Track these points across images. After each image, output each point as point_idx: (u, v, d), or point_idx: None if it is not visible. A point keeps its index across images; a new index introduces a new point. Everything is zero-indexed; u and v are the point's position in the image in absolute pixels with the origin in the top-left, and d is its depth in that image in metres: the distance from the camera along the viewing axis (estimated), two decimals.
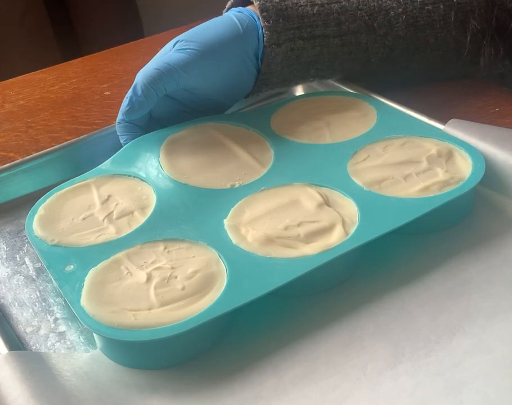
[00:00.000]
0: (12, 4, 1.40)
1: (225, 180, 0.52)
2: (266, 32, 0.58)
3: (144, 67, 0.58)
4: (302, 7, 0.60)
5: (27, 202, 0.53)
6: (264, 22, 0.58)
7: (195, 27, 0.59)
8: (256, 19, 0.59)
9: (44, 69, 0.85)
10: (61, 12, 1.49)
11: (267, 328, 0.43)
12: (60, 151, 0.61)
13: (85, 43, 1.50)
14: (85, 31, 1.51)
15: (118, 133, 0.58)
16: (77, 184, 0.53)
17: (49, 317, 0.46)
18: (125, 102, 0.56)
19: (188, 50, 0.56)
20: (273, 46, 0.59)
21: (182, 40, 0.58)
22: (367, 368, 0.39)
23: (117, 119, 0.58)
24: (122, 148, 0.56)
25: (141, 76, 0.56)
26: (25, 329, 0.45)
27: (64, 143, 0.62)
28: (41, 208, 0.50)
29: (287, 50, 0.59)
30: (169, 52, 0.58)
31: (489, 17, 0.63)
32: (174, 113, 0.59)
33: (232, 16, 0.59)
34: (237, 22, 0.58)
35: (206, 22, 0.59)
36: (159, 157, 0.54)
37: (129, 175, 0.53)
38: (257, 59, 0.59)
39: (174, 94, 0.58)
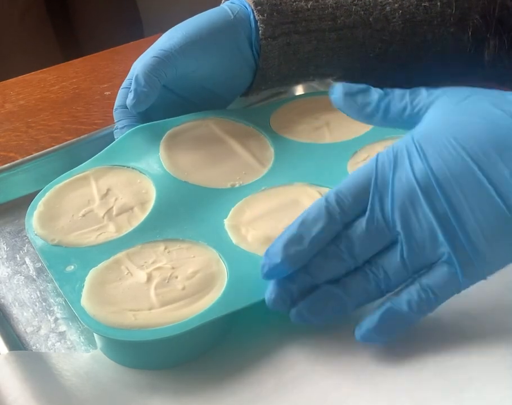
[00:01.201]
0: (12, 4, 1.40)
1: (226, 179, 0.52)
2: (261, 25, 0.58)
3: (140, 58, 0.57)
4: (297, 2, 0.60)
5: (27, 202, 0.53)
6: (258, 16, 0.58)
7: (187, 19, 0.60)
8: (248, 6, 0.59)
9: (44, 69, 0.85)
10: (61, 11, 1.49)
11: (267, 328, 0.43)
12: (60, 151, 0.61)
13: (85, 43, 1.50)
14: (85, 31, 1.50)
15: (115, 120, 0.58)
16: (76, 177, 0.52)
17: (49, 317, 0.46)
18: (130, 95, 0.55)
19: (180, 36, 0.56)
20: (269, 39, 0.59)
21: (173, 30, 0.58)
22: (368, 368, 0.39)
23: (114, 106, 0.58)
24: (120, 137, 0.56)
25: (140, 66, 0.55)
26: (25, 329, 0.45)
27: (65, 143, 0.62)
28: (40, 204, 0.50)
29: (283, 44, 0.59)
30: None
31: (491, 11, 0.63)
32: (170, 105, 0.59)
33: (223, 5, 0.60)
34: (228, 9, 0.59)
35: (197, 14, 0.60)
36: (159, 152, 0.54)
37: (128, 167, 0.53)
38: (252, 48, 0.59)
39: (170, 84, 0.58)
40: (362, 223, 0.39)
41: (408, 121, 0.42)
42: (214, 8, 0.60)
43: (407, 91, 0.42)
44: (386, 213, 0.39)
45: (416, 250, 0.38)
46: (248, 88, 0.62)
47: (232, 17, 0.58)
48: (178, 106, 0.60)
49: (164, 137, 0.56)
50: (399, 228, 0.38)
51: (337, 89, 0.43)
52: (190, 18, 0.59)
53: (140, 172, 0.53)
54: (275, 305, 0.40)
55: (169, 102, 0.59)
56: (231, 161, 0.54)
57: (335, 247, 0.39)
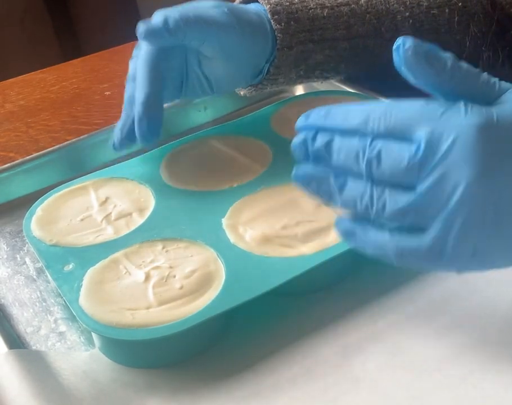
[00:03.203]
0: (12, 4, 1.40)
1: (224, 182, 0.52)
2: (278, 35, 0.58)
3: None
4: (313, 10, 0.60)
5: (28, 202, 0.53)
6: (276, 25, 0.58)
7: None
8: (266, 21, 0.58)
9: (44, 69, 0.85)
10: (61, 12, 1.50)
11: (265, 328, 0.43)
12: (60, 151, 0.61)
13: (85, 43, 1.50)
14: (85, 31, 1.51)
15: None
16: (74, 187, 0.53)
17: (49, 317, 0.46)
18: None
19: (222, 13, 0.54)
20: (285, 49, 0.58)
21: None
22: (365, 367, 0.39)
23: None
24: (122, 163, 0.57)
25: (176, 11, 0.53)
26: (25, 329, 0.46)
27: (64, 143, 0.62)
28: (39, 210, 0.51)
29: (297, 52, 0.59)
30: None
31: (490, 21, 0.63)
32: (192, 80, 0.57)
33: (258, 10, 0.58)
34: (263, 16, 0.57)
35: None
36: (159, 168, 0.55)
37: (127, 178, 0.54)
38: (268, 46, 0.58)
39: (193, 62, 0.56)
40: (402, 154, 0.34)
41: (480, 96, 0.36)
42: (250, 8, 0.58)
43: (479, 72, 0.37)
44: (433, 157, 0.33)
45: (423, 212, 0.34)
46: (252, 86, 0.62)
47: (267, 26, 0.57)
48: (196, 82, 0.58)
49: (164, 157, 0.56)
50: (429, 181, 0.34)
51: (406, 45, 0.36)
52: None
53: (140, 183, 0.53)
54: (296, 147, 0.38)
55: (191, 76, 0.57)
56: (230, 168, 0.54)
57: (362, 149, 0.36)
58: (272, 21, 0.58)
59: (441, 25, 0.63)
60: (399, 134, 0.35)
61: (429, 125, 0.34)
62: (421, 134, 0.34)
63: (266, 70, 0.59)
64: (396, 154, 0.35)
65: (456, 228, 0.34)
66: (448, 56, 0.36)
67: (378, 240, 0.36)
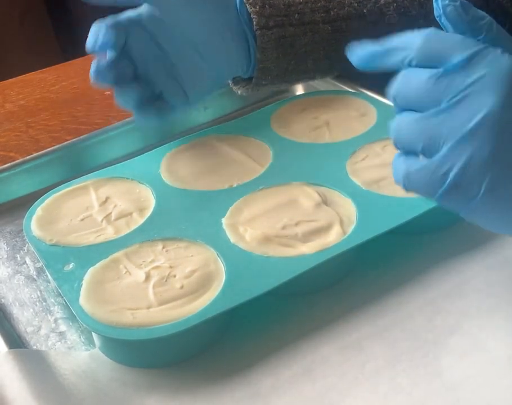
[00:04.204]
0: (12, 3, 1.40)
1: (224, 182, 0.52)
2: (254, 16, 0.58)
3: None
4: None
5: (28, 202, 0.53)
6: (251, 8, 0.58)
7: None
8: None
9: (44, 69, 0.85)
10: (61, 12, 1.50)
11: (265, 327, 0.43)
12: (60, 151, 0.61)
13: (85, 43, 1.50)
14: (85, 31, 1.51)
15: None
16: (75, 187, 0.53)
17: (49, 317, 0.46)
18: None
19: None
20: (264, 29, 0.58)
21: None
22: (365, 367, 0.39)
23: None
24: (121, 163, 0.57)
25: None
26: (25, 329, 0.46)
27: (65, 143, 0.62)
28: (39, 210, 0.51)
29: (279, 36, 0.59)
30: None
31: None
32: (146, 48, 0.56)
33: None
34: None
35: None
36: (160, 168, 0.55)
37: (127, 178, 0.54)
38: (243, 30, 0.58)
39: (146, 22, 0.57)
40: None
41: None
42: None
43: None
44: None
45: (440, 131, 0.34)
46: (248, 82, 0.62)
47: None
48: (152, 50, 0.56)
49: (164, 157, 0.56)
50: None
51: None
52: None
53: (140, 182, 0.53)
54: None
55: (144, 44, 0.56)
56: (230, 167, 0.54)
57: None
58: (247, 5, 0.58)
59: (429, 12, 0.62)
60: (439, 57, 0.35)
61: (467, 51, 0.34)
62: (458, 56, 0.34)
63: (253, 58, 0.59)
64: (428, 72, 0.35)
65: (467, 152, 0.33)
66: (487, 19, 0.37)
67: (394, 163, 0.37)
